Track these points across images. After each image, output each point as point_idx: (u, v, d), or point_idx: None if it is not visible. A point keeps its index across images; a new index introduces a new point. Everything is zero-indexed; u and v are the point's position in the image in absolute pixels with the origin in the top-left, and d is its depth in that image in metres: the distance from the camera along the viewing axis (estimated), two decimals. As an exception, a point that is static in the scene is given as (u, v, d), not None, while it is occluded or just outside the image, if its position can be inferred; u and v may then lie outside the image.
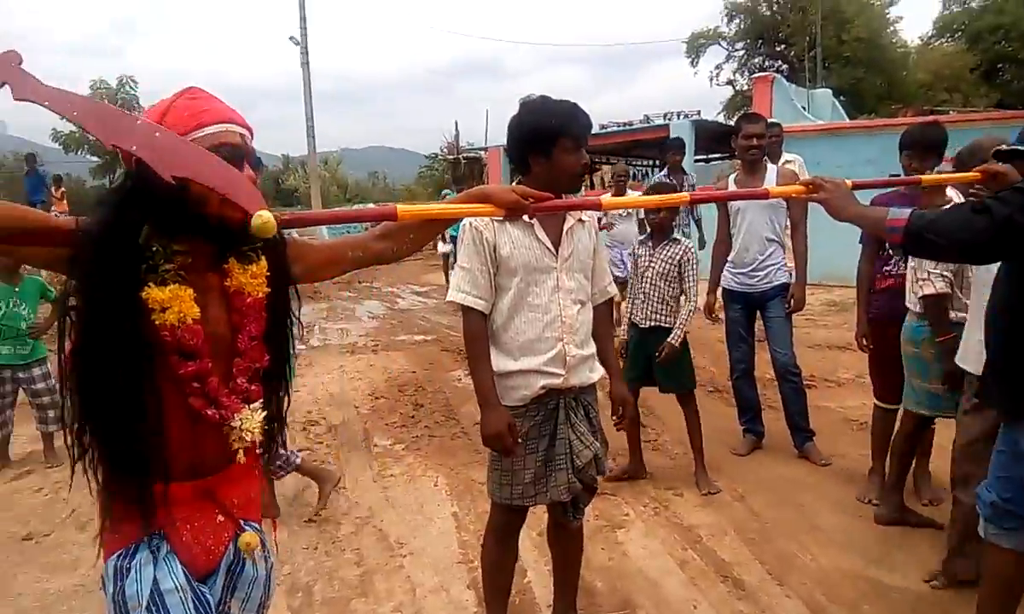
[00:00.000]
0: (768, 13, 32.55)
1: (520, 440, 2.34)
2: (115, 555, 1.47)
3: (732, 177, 4.65)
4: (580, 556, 2.74)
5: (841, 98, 27.27)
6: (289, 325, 1.65)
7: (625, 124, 16.06)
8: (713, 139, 14.55)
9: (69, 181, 25.35)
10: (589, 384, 2.48)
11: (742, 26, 33.37)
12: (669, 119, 14.87)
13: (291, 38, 28.18)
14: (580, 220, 2.46)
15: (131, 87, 24.98)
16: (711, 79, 34.56)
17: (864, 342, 3.79)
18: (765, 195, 3.16)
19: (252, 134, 1.51)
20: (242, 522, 1.58)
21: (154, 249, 1.40)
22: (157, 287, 1.38)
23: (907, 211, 2.15)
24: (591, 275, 2.53)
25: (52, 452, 4.89)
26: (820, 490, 3.89)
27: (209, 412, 1.45)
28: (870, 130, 13.04)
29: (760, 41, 33.78)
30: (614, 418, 2.61)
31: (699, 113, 14.99)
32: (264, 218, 1.30)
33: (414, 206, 1.90)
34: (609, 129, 16.06)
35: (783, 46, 32.38)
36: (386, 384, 6.34)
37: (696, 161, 15.23)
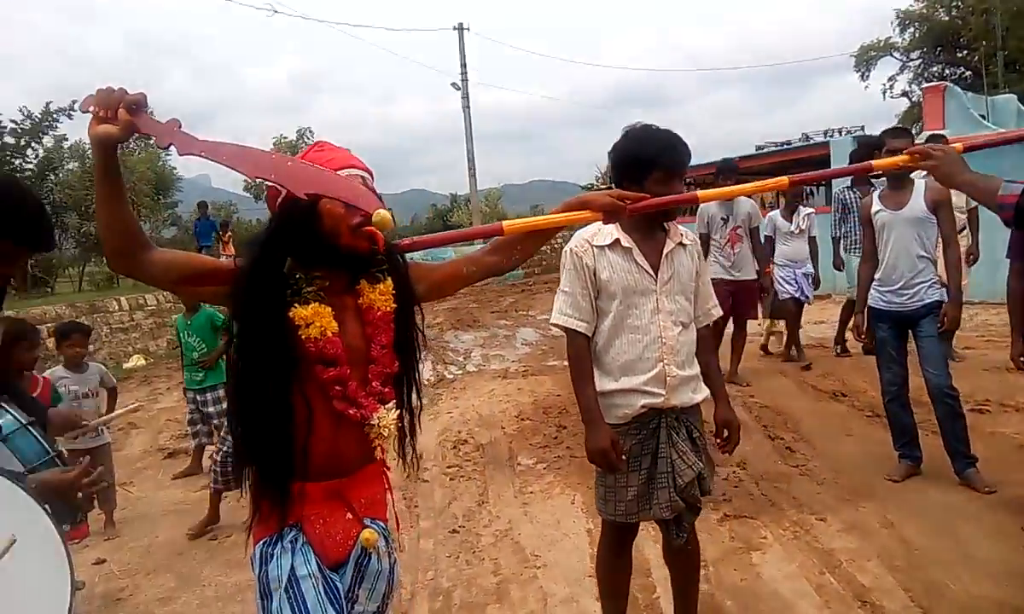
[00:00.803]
0: (946, 19, 30.30)
1: (623, 457, 2.41)
2: (261, 542, 1.72)
3: (876, 193, 4.48)
4: (696, 573, 2.74)
5: (1032, 102, 24.88)
6: (415, 336, 1.86)
7: (784, 144, 15.55)
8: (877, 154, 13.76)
9: (259, 225, 27.99)
10: (691, 405, 2.49)
11: (916, 34, 31.24)
12: (830, 136, 14.23)
13: (452, 84, 29.72)
14: (681, 243, 2.51)
15: (308, 137, 27.22)
16: (884, 92, 32.52)
17: (1023, 362, 3.52)
18: (868, 169, 3.08)
19: (372, 176, 1.75)
20: (367, 520, 1.77)
21: (297, 277, 1.65)
22: (301, 306, 1.63)
23: (1020, 186, 2.04)
24: (694, 297, 2.55)
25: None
26: (981, 519, 3.62)
27: (351, 412, 1.67)
28: (1064, 135, 11.86)
29: (938, 48, 31.49)
30: (718, 441, 2.59)
31: (863, 128, 14.25)
32: (382, 214, 1.52)
33: (518, 221, 2.07)
34: (766, 149, 15.61)
35: (964, 52, 29.99)
36: (532, 407, 6.53)
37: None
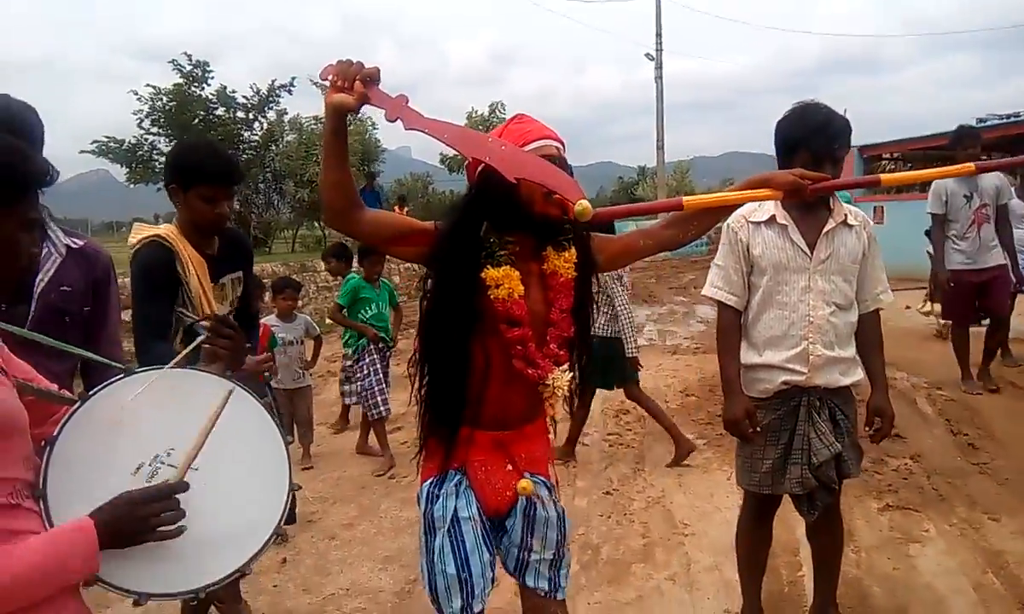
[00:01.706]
0: None
1: (760, 431, 2.46)
2: (428, 482, 1.93)
3: None
4: (837, 553, 2.73)
5: None
6: (591, 304, 1.97)
7: (1011, 116, 13.99)
8: None
9: (452, 196, 29.27)
10: (838, 386, 2.48)
11: None
12: (1070, 107, 12.64)
13: (647, 54, 29.33)
14: (846, 223, 2.46)
15: (501, 111, 27.96)
16: None
17: None
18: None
19: (564, 146, 1.88)
20: (527, 473, 1.91)
21: (491, 241, 1.80)
22: (493, 268, 1.77)
23: None
24: (861, 281, 2.51)
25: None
26: None
27: (529, 371, 1.79)
28: None
29: None
30: (867, 429, 2.56)
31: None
32: (584, 205, 1.66)
33: (698, 196, 2.16)
34: (988, 122, 14.12)
35: None
36: (699, 383, 6.53)
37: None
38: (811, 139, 2.35)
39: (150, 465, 1.73)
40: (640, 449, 4.99)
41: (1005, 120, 13.56)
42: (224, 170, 2.41)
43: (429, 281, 1.85)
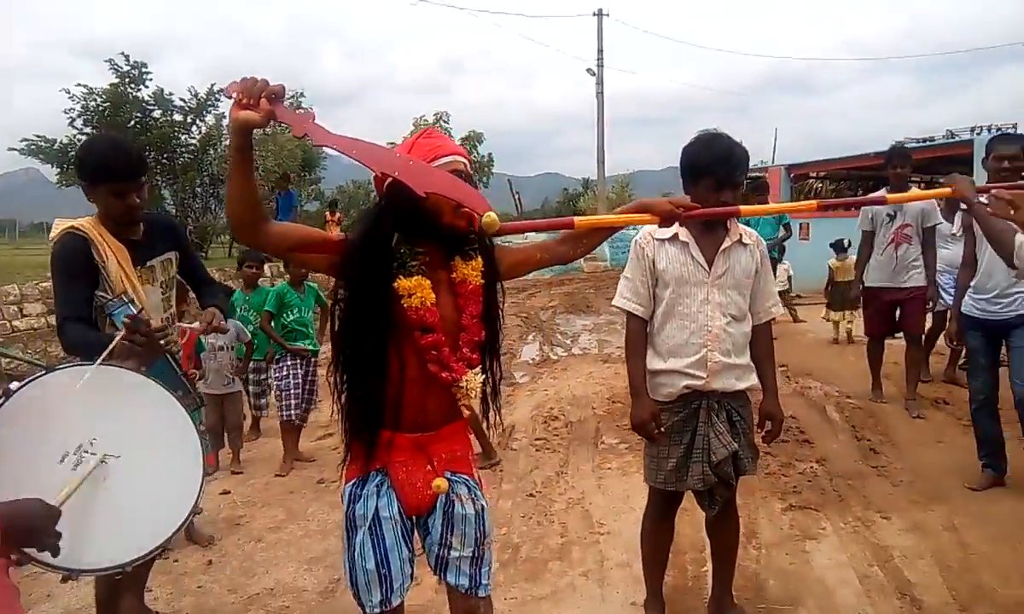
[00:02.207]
0: None
1: (665, 432, 2.65)
2: (351, 482, 2.01)
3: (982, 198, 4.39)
4: (734, 547, 2.94)
5: None
6: (498, 309, 2.10)
7: (926, 140, 14.74)
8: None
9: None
10: (734, 390, 2.68)
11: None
12: (977, 133, 13.40)
13: (588, 70, 29.87)
14: (741, 242, 2.68)
15: (445, 121, 28.06)
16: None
17: None
18: (882, 201, 3.14)
19: (470, 163, 2.04)
20: (448, 473, 2.02)
21: (402, 251, 1.89)
22: (405, 278, 1.87)
23: None
24: (754, 295, 2.72)
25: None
26: (1052, 531, 3.59)
27: (443, 375, 1.90)
28: None
29: None
30: (760, 431, 2.79)
31: (1015, 126, 13.28)
32: (491, 217, 1.80)
33: (588, 218, 2.35)
34: (909, 145, 14.85)
35: None
36: (625, 391, 6.69)
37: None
38: (715, 167, 2.56)
39: (75, 454, 1.84)
40: (565, 454, 5.16)
41: (922, 144, 14.24)
42: (127, 167, 2.51)
43: (341, 290, 1.94)
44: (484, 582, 2.08)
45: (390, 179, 1.82)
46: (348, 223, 25.83)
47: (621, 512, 4.10)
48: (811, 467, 4.64)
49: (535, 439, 5.52)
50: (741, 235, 2.69)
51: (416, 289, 1.87)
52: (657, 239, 2.69)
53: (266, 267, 6.02)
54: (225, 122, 19.77)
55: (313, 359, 5.37)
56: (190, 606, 3.34)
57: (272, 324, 5.20)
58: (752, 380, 2.75)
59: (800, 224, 14.36)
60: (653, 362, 2.72)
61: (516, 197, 28.86)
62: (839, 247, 9.21)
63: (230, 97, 1.68)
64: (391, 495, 1.98)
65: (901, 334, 5.89)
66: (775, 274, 10.66)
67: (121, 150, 2.55)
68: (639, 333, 2.76)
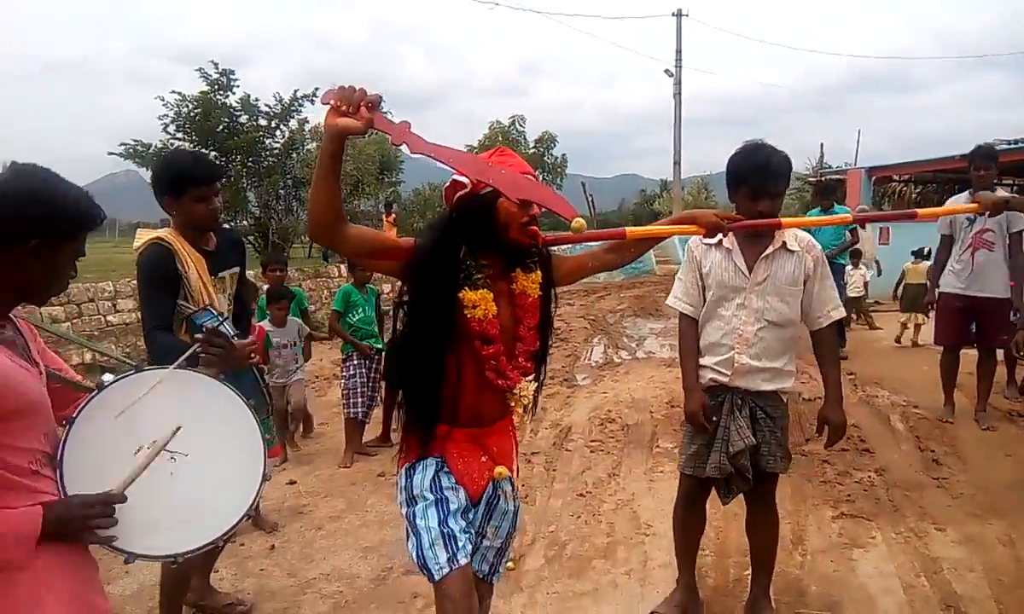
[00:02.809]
0: None
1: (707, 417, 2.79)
2: (406, 466, 2.13)
3: None
4: (770, 548, 2.99)
5: None
6: (551, 320, 2.23)
7: (1018, 141, 14.07)
8: None
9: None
10: (760, 391, 2.77)
11: None
12: (1075, 134, 12.72)
13: (666, 71, 29.57)
14: (787, 248, 2.74)
15: (520, 124, 28.33)
16: None
17: None
18: (913, 216, 3.15)
19: (538, 179, 2.16)
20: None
21: (468, 263, 1.99)
22: (471, 290, 1.97)
23: None
24: (809, 300, 2.79)
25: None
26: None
27: (500, 382, 2.03)
28: None
29: None
30: (819, 436, 2.89)
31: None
32: (580, 222, 1.95)
33: (639, 229, 2.49)
34: (998, 148, 14.20)
35: None
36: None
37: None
38: (752, 177, 2.66)
39: (148, 448, 2.03)
40: (619, 456, 5.22)
41: (1013, 145, 13.61)
42: (209, 170, 2.79)
43: (406, 295, 2.05)
44: (500, 571, 2.27)
45: (462, 192, 1.96)
46: (418, 227, 26.34)
47: (669, 515, 4.08)
48: (868, 476, 4.57)
49: (590, 440, 5.59)
50: (786, 242, 2.74)
51: (480, 302, 1.96)
52: (705, 244, 2.82)
53: (290, 269, 6.33)
54: (308, 127, 20.54)
55: (378, 357, 5.58)
56: (251, 587, 3.56)
57: (340, 323, 5.44)
58: (785, 383, 2.82)
59: (879, 228, 13.92)
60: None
61: (589, 198, 28.84)
62: (919, 254, 8.99)
63: (327, 103, 1.72)
64: (450, 475, 2.08)
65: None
66: (852, 280, 10.53)
67: (200, 157, 2.84)
68: (689, 331, 2.91)
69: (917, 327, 8.63)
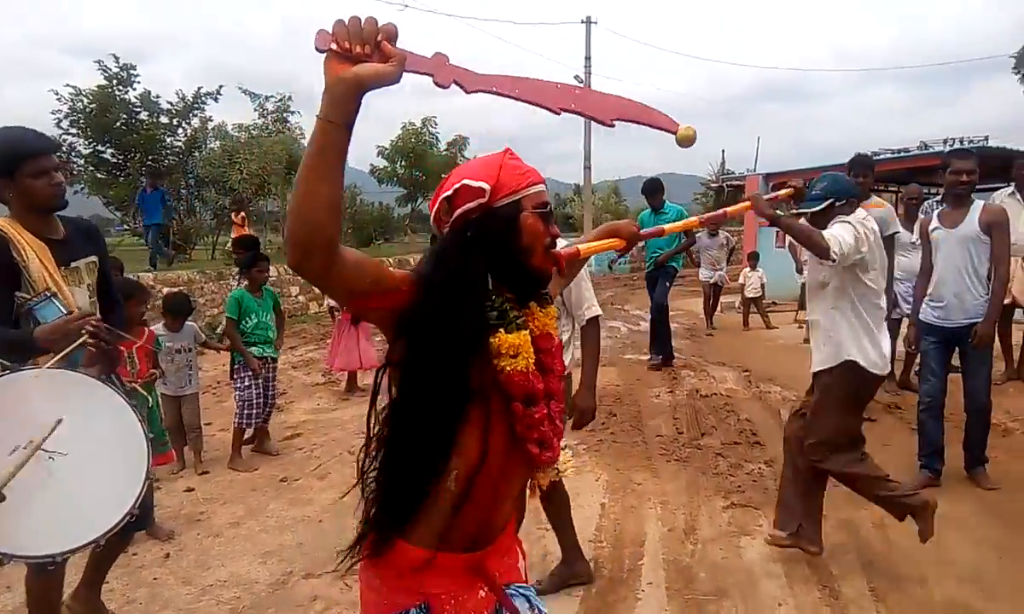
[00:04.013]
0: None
1: None
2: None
3: (937, 212, 4.61)
4: (560, 512, 3.42)
5: None
6: None
7: (900, 151, 14.99)
8: (1002, 167, 13.06)
9: (380, 209, 29.24)
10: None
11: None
12: (950, 145, 13.64)
13: (575, 76, 30.05)
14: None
15: (432, 126, 28.16)
16: (1047, 98, 30.01)
17: None
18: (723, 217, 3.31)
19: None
20: (511, 588, 1.53)
21: (495, 299, 1.42)
22: (508, 334, 1.40)
23: None
24: (571, 304, 3.09)
25: (267, 443, 5.64)
26: (972, 530, 3.76)
27: (545, 456, 1.44)
28: None
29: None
30: (569, 419, 3.04)
31: (986, 139, 13.55)
32: (689, 128, 1.45)
33: (585, 246, 2.52)
34: (881, 156, 15.11)
35: None
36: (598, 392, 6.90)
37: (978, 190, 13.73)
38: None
39: (25, 448, 1.96)
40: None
41: (896, 155, 14.49)
42: (42, 140, 2.52)
43: (401, 347, 1.38)
44: None
45: (470, 206, 1.40)
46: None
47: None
48: (759, 468, 4.80)
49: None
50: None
51: (522, 348, 1.41)
52: None
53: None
54: (212, 125, 19.92)
55: (273, 366, 5.51)
56: (144, 597, 3.45)
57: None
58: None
59: (776, 232, 14.56)
60: None
61: (503, 202, 28.96)
62: None
63: (324, 50, 1.19)
64: None
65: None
66: (749, 281, 11.04)
67: (27, 129, 2.55)
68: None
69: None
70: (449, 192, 1.43)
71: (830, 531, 3.81)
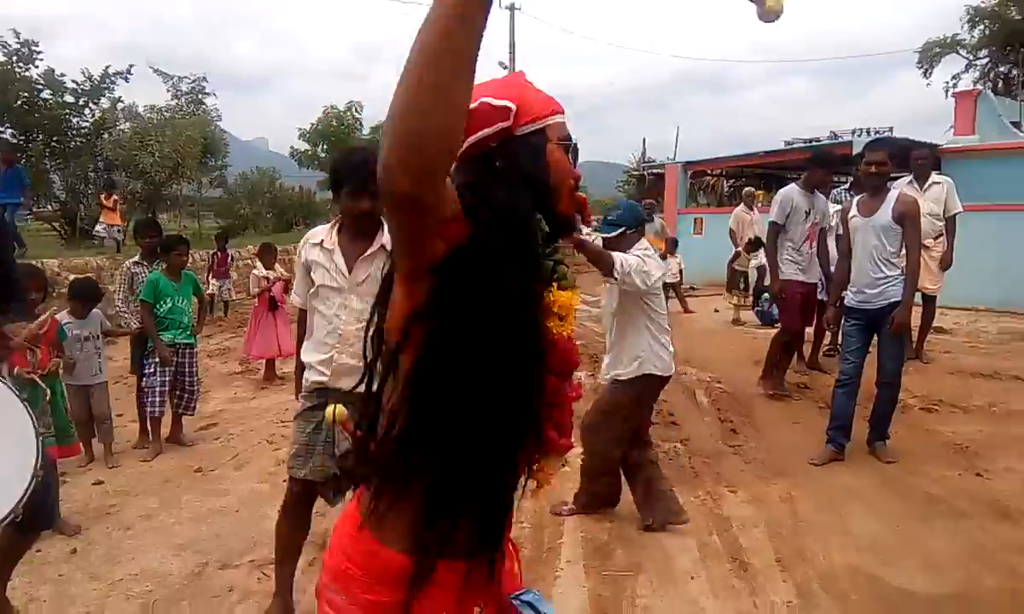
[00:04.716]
0: (1018, 17, 29.38)
1: (296, 418, 2.86)
2: None
3: (856, 199, 4.83)
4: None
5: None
6: None
7: (812, 140, 15.58)
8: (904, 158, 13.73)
9: (301, 193, 28.61)
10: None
11: (986, 33, 30.42)
12: (858, 135, 14.25)
13: (500, 63, 30.03)
14: (386, 250, 2.68)
15: (357, 111, 27.65)
16: (946, 91, 31.61)
17: None
18: None
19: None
20: (516, 598, 1.32)
21: (545, 248, 1.22)
22: (561, 290, 1.21)
23: None
24: None
25: (181, 434, 5.49)
26: (872, 502, 3.97)
27: (563, 442, 1.26)
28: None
29: (1008, 48, 30.58)
30: None
31: (891, 130, 14.22)
32: (780, 2, 1.26)
33: None
34: (795, 145, 15.68)
35: (1036, 53, 29.03)
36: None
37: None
38: (351, 178, 2.71)
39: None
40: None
41: (807, 144, 15.03)
42: None
43: (441, 306, 1.07)
44: None
45: (491, 132, 1.15)
46: (245, 214, 24.94)
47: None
48: (674, 447, 4.94)
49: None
50: (384, 244, 2.75)
51: (570, 309, 1.22)
52: (311, 243, 2.88)
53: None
54: (121, 106, 19.07)
55: (190, 352, 5.34)
56: (49, 595, 3.32)
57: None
58: None
59: (694, 219, 14.96)
60: (304, 353, 2.91)
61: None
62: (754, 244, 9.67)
63: None
64: None
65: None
66: (668, 267, 11.32)
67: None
68: (303, 321, 3.00)
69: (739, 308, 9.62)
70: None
71: (740, 506, 3.98)
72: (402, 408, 1.10)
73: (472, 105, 1.04)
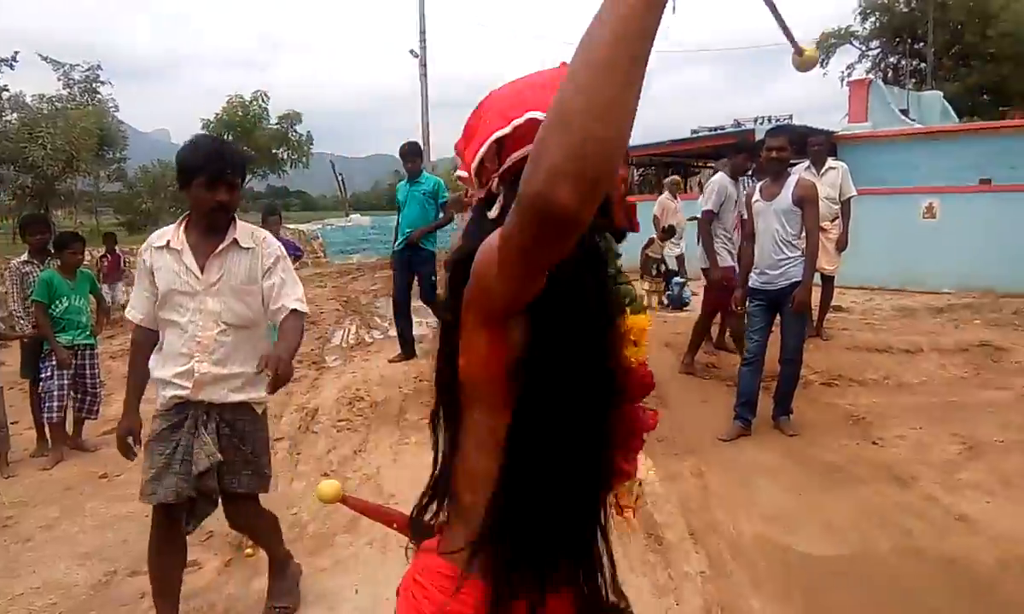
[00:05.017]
0: (905, 10, 31.17)
1: (153, 440, 2.62)
2: None
3: (759, 184, 5.00)
4: (270, 532, 3.05)
5: (984, 97, 26.27)
6: None
7: (716, 128, 16.09)
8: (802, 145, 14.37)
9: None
10: (227, 403, 2.63)
11: (877, 24, 32.11)
12: (760, 123, 14.80)
13: (411, 51, 29.68)
14: (239, 245, 2.62)
15: (263, 100, 26.94)
16: (842, 80, 33.20)
17: None
18: None
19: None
20: None
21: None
22: (634, 314, 1.14)
23: None
24: (267, 297, 2.65)
25: (82, 439, 5.31)
26: (778, 475, 4.17)
27: (629, 468, 1.24)
28: (974, 134, 12.57)
29: (897, 39, 32.41)
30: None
31: (791, 118, 14.84)
32: (813, 50, 1.19)
33: None
34: (700, 134, 16.14)
35: (922, 44, 30.86)
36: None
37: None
38: (205, 168, 2.53)
39: None
40: (366, 433, 5.26)
41: (713, 132, 15.51)
42: None
43: (533, 333, 0.99)
44: None
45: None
46: (146, 209, 23.86)
47: (417, 481, 4.23)
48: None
49: (337, 421, 5.57)
50: (238, 239, 2.64)
51: (643, 333, 1.16)
52: (155, 247, 2.63)
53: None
54: (7, 95, 17.98)
55: (90, 353, 5.12)
56: (-59, 613, 3.15)
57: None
58: (256, 393, 2.70)
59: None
60: (155, 369, 2.66)
61: (340, 179, 28.33)
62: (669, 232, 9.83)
63: None
64: None
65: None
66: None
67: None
68: (139, 343, 2.71)
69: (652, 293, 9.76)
70: (507, 128, 1.02)
71: (653, 482, 4.10)
72: (495, 464, 1.03)
73: (517, 121, 1.00)
